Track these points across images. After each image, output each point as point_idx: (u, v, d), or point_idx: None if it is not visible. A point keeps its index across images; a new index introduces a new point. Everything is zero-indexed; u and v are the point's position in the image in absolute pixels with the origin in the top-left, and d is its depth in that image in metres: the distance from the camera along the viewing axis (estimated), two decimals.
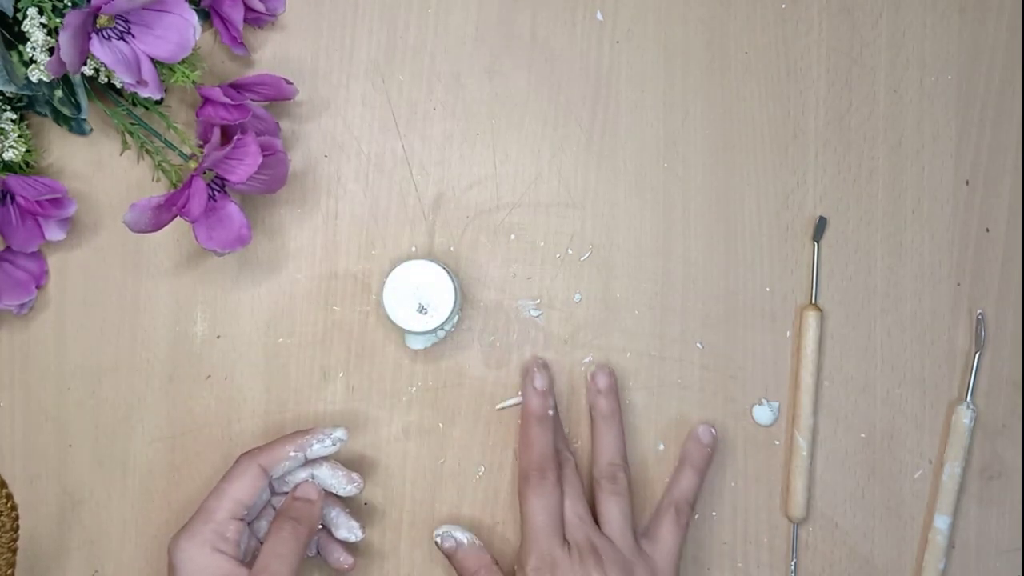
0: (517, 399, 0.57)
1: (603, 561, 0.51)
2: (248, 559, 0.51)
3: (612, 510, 0.53)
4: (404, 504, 0.57)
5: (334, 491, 0.53)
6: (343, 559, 0.54)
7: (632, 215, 0.58)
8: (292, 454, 0.52)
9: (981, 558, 0.58)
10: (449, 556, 0.54)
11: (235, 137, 0.49)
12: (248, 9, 0.54)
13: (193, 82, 0.53)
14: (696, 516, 0.57)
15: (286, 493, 0.53)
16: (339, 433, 0.53)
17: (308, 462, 0.53)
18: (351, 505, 0.56)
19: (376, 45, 0.57)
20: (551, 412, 0.55)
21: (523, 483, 0.53)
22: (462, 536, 0.54)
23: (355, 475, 0.53)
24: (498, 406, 0.57)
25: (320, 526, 0.54)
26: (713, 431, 0.56)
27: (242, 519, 0.50)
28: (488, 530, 0.57)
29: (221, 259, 0.57)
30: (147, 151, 0.56)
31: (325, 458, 0.53)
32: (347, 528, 0.53)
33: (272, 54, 0.57)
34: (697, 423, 0.57)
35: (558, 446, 0.55)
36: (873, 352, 0.58)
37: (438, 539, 0.54)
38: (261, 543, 0.52)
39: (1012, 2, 0.58)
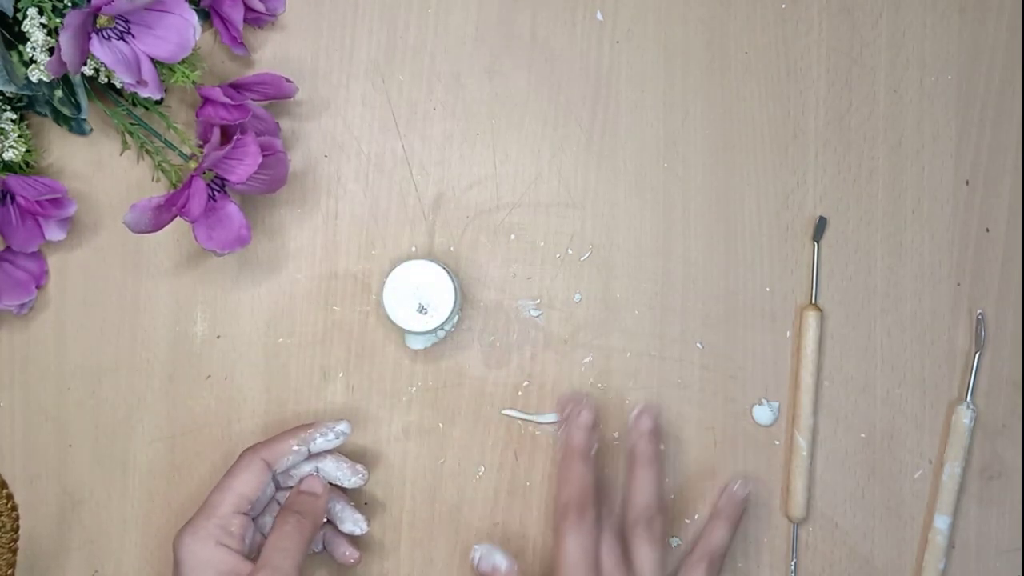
0: (525, 415, 0.56)
1: None
2: (253, 554, 0.51)
3: (646, 556, 0.52)
4: (404, 504, 0.57)
5: (339, 483, 0.53)
6: (349, 554, 0.54)
7: (632, 215, 0.57)
8: (295, 448, 0.52)
9: (981, 558, 0.58)
10: None
11: (235, 137, 0.49)
12: (248, 9, 0.54)
13: (193, 82, 0.53)
14: (698, 517, 0.57)
15: (291, 488, 0.53)
16: (342, 426, 0.53)
17: (312, 455, 0.53)
18: (353, 501, 0.56)
19: (376, 45, 0.57)
20: (594, 449, 0.53)
21: (561, 519, 0.51)
22: (502, 561, 0.51)
23: (359, 466, 0.53)
24: (505, 410, 0.57)
25: (325, 520, 0.54)
26: (749, 486, 0.56)
27: (246, 514, 0.50)
28: (487, 531, 0.57)
29: (221, 259, 0.57)
30: (147, 151, 0.56)
31: (329, 451, 0.53)
32: (352, 521, 0.53)
33: (272, 54, 0.57)
34: (698, 421, 0.57)
35: (598, 484, 0.53)
36: (873, 352, 0.58)
37: (475, 557, 0.52)
38: (266, 538, 0.52)
39: (1012, 2, 0.58)
